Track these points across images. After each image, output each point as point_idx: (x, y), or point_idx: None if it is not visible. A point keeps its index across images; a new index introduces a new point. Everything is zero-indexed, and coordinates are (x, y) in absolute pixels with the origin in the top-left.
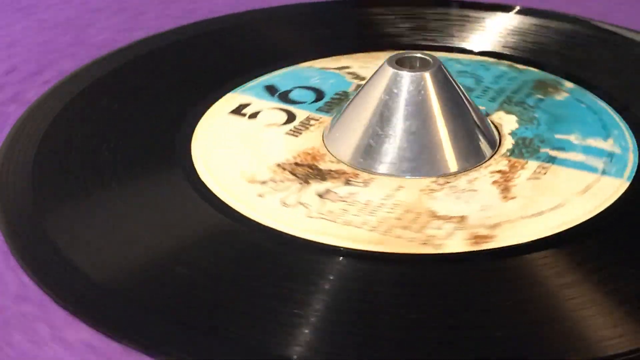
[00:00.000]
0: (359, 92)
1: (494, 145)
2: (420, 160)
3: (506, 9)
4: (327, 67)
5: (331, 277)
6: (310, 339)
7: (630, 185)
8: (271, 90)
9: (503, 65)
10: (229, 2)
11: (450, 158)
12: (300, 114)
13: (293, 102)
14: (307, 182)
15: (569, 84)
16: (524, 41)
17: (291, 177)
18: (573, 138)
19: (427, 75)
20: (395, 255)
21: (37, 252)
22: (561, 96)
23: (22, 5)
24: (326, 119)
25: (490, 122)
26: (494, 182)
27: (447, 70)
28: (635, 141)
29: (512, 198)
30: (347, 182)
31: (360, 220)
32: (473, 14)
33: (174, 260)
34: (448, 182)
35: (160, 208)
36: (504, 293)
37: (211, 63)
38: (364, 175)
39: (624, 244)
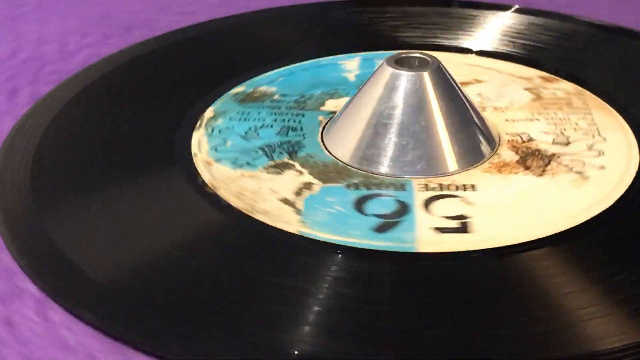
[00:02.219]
0: (358, 92)
1: (494, 145)
2: (420, 160)
3: (506, 8)
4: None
5: (330, 275)
6: (311, 335)
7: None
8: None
9: None
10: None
11: (449, 158)
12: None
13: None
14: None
15: None
16: (524, 41)
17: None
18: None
19: (425, 75)
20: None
21: (37, 251)
22: None
23: None
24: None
25: (490, 122)
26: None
27: (446, 70)
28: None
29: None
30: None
31: None
32: (473, 13)
33: (174, 259)
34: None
35: (159, 207)
36: (502, 292)
37: (212, 62)
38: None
39: (624, 242)
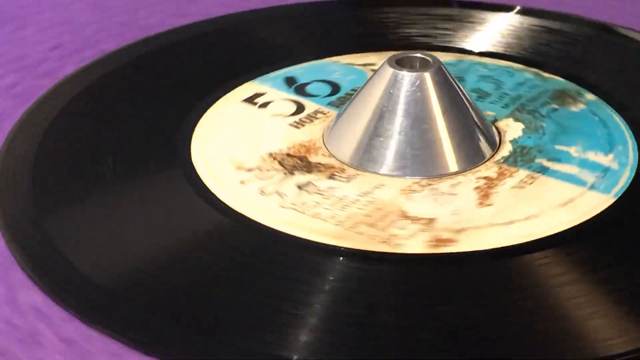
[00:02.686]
0: (359, 91)
1: (494, 146)
2: (420, 160)
3: (507, 9)
4: (353, 63)
5: (289, 269)
6: (311, 339)
7: (614, 202)
8: (290, 81)
9: (529, 73)
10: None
11: (449, 158)
12: (310, 106)
13: (307, 95)
14: (291, 173)
15: (589, 96)
16: (525, 41)
17: (278, 167)
18: (573, 150)
19: (426, 76)
20: (352, 250)
21: (36, 252)
22: (577, 107)
23: None
24: (334, 113)
25: (490, 123)
26: (476, 188)
27: (447, 71)
28: (636, 156)
29: (488, 205)
30: (331, 177)
31: (330, 214)
32: (474, 13)
33: (174, 260)
34: (430, 184)
35: (159, 208)
36: (502, 293)
37: (212, 63)
38: (350, 171)
39: (591, 257)
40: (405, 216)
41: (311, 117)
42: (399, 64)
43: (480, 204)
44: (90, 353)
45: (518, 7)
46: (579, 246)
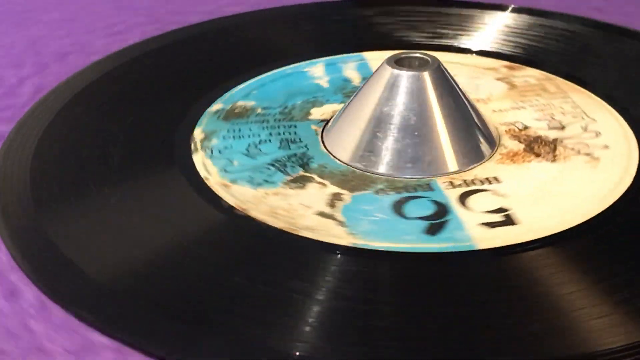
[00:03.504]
0: (358, 92)
1: (494, 145)
2: (420, 160)
3: (506, 8)
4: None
5: (289, 266)
6: (312, 335)
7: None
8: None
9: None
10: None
11: (449, 158)
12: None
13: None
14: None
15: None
16: (524, 41)
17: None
18: None
19: (425, 75)
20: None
21: (36, 251)
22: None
23: None
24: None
25: (491, 123)
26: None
27: (446, 70)
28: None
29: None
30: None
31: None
32: (472, 13)
33: (174, 260)
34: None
35: (159, 208)
36: (502, 292)
37: (212, 62)
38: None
39: (591, 257)
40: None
41: None
42: (398, 63)
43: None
44: (90, 352)
45: (516, 7)
46: (579, 246)
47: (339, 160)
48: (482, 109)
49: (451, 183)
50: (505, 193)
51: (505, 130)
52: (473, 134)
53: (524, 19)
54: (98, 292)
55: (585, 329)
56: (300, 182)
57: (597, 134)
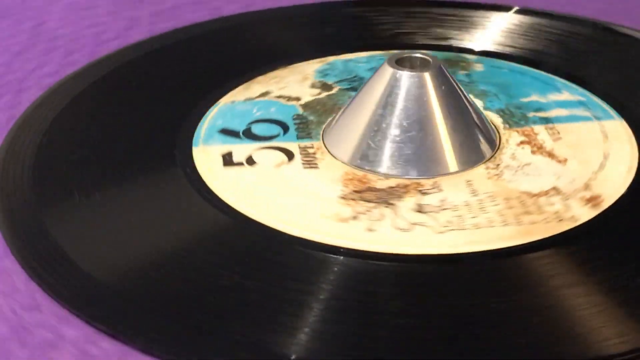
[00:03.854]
0: (359, 92)
1: (494, 145)
2: (420, 160)
3: (506, 8)
4: (251, 98)
5: (289, 267)
6: (310, 339)
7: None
8: (229, 133)
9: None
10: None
11: (450, 158)
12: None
13: (266, 139)
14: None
15: (472, 57)
16: (524, 41)
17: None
18: (536, 98)
19: (426, 75)
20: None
21: (37, 251)
22: (480, 68)
23: None
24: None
25: (491, 123)
26: (536, 152)
27: (447, 70)
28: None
29: (565, 160)
30: (423, 193)
31: (483, 219)
32: (473, 13)
33: (174, 259)
34: (498, 164)
35: (160, 207)
36: (504, 293)
37: (213, 62)
38: (428, 182)
39: (591, 258)
40: (533, 195)
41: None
42: (399, 63)
43: (559, 161)
44: (90, 352)
45: (516, 7)
46: (579, 246)
47: (339, 160)
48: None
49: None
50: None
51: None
52: (473, 134)
53: (524, 19)
54: (99, 291)
55: (586, 331)
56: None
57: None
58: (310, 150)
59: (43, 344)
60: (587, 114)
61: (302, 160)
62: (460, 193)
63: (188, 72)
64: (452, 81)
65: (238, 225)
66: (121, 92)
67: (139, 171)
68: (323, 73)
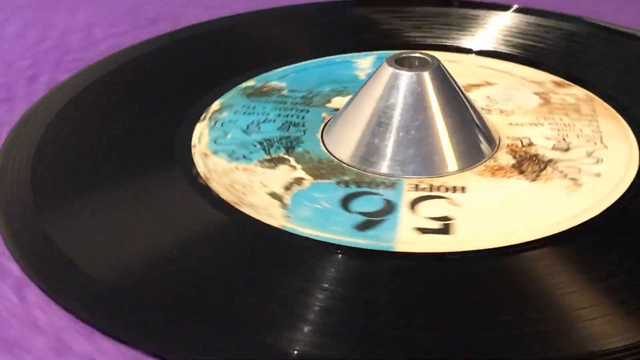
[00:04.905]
0: (358, 91)
1: (494, 145)
2: (419, 160)
3: (506, 8)
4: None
5: (286, 265)
6: (311, 335)
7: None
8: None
9: None
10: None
11: (449, 158)
12: None
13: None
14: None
15: None
16: (524, 41)
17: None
18: None
19: (426, 75)
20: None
21: (37, 251)
22: None
23: None
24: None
25: (491, 123)
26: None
27: (446, 70)
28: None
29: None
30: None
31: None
32: (473, 13)
33: (173, 259)
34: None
35: (159, 207)
36: (500, 291)
37: (219, 60)
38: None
39: (590, 257)
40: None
41: None
42: (398, 63)
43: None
44: (91, 352)
45: (517, 7)
46: (578, 246)
47: (339, 160)
48: (499, 120)
49: (416, 186)
50: (461, 203)
51: (508, 144)
52: (473, 134)
53: (524, 19)
54: (98, 291)
55: (584, 329)
56: (275, 162)
57: (599, 161)
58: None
59: (41, 343)
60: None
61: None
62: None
63: (187, 72)
64: (452, 81)
65: (238, 224)
66: (120, 93)
67: (138, 171)
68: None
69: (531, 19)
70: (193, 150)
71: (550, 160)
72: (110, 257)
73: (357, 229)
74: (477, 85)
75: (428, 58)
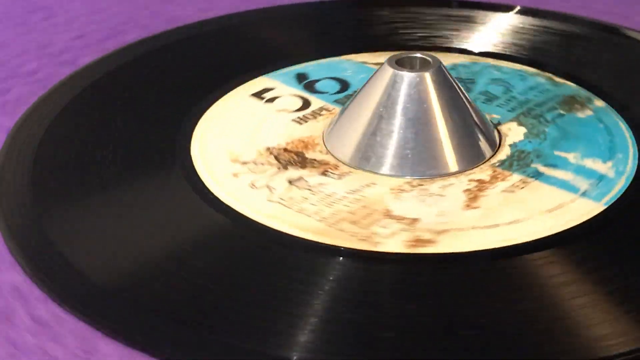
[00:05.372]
0: (359, 92)
1: (494, 146)
2: (419, 159)
3: (507, 9)
4: (366, 62)
5: (264, 263)
6: (311, 339)
7: (603, 210)
8: (301, 78)
9: (542, 77)
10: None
11: (449, 158)
12: (316, 103)
13: (316, 92)
14: (285, 168)
15: (598, 102)
16: (525, 41)
17: (273, 161)
18: (571, 157)
19: (427, 76)
20: (332, 247)
21: (36, 252)
22: (584, 114)
23: None
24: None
25: (491, 124)
26: (465, 191)
27: (447, 71)
28: (635, 163)
29: (475, 208)
30: (324, 173)
31: (315, 209)
32: (474, 13)
33: (173, 260)
34: (421, 185)
35: (159, 208)
36: (504, 293)
37: (213, 63)
38: (344, 169)
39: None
40: (389, 215)
41: (315, 114)
42: (399, 64)
43: (467, 206)
44: (91, 352)
45: (517, 7)
46: (562, 251)
47: (339, 160)
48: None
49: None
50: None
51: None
52: (473, 134)
53: (524, 19)
54: (97, 291)
55: (586, 331)
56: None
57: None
58: (323, 112)
59: (42, 344)
60: (582, 186)
61: (304, 114)
62: (345, 186)
63: (187, 73)
64: (452, 81)
65: (237, 225)
66: (119, 93)
67: (138, 172)
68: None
69: (530, 19)
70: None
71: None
72: (110, 257)
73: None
74: None
75: (429, 59)
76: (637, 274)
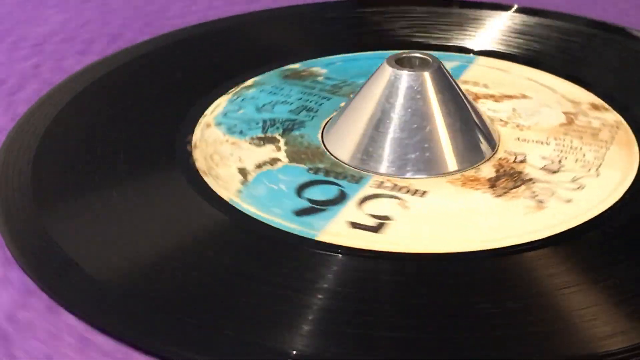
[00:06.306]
0: (358, 91)
1: (494, 146)
2: (420, 159)
3: (506, 8)
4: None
5: (264, 260)
6: (308, 334)
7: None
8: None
9: None
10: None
11: (449, 157)
12: None
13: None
14: None
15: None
16: (524, 41)
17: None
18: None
19: (426, 75)
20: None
21: (37, 251)
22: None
23: None
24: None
25: (491, 123)
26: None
27: (446, 70)
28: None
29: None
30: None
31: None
32: (473, 13)
33: (173, 258)
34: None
35: (159, 207)
36: (503, 292)
37: (212, 63)
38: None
39: (623, 243)
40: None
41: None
42: (399, 63)
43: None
44: (92, 352)
45: (517, 6)
46: (579, 246)
47: (339, 160)
48: (511, 134)
49: (380, 183)
50: (411, 206)
51: (499, 158)
52: (473, 134)
53: (524, 19)
54: (98, 290)
55: (585, 330)
56: (264, 141)
57: (580, 188)
58: None
59: (42, 343)
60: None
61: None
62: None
63: (187, 73)
64: (452, 81)
65: (237, 224)
66: (119, 93)
67: (138, 171)
68: None
69: (530, 18)
70: (201, 119)
71: (529, 180)
72: (110, 256)
73: (296, 215)
74: (510, 97)
75: (428, 58)
76: (635, 272)
